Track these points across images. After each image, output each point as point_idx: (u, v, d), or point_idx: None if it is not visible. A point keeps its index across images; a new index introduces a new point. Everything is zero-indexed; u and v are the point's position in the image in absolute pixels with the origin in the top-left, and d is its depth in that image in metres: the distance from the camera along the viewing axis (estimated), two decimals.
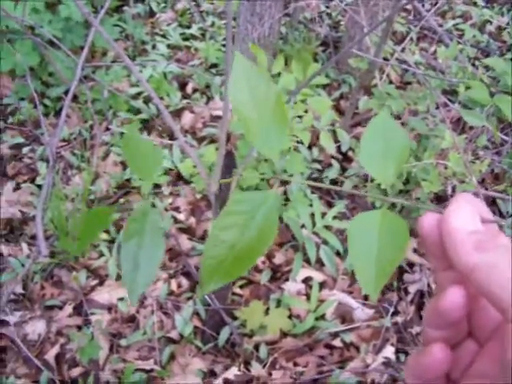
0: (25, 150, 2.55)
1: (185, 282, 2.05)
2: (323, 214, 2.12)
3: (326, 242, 2.08)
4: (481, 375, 0.37)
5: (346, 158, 2.49)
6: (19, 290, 2.01)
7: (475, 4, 3.58)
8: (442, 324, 0.38)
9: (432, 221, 0.37)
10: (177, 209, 2.28)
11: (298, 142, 2.30)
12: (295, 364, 1.86)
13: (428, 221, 0.38)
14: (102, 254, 2.09)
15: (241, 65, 0.44)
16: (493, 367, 0.36)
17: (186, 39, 3.21)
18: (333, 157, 2.48)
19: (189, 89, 2.86)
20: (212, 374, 1.82)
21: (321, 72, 2.32)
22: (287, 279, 2.05)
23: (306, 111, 1.78)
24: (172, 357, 1.85)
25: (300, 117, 1.81)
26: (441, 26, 3.28)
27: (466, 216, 0.36)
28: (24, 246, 2.13)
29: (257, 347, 1.87)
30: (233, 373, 1.80)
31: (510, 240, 0.35)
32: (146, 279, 0.45)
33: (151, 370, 1.81)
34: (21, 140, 2.60)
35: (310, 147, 2.45)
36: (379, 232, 0.38)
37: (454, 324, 0.38)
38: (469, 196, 0.37)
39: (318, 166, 2.43)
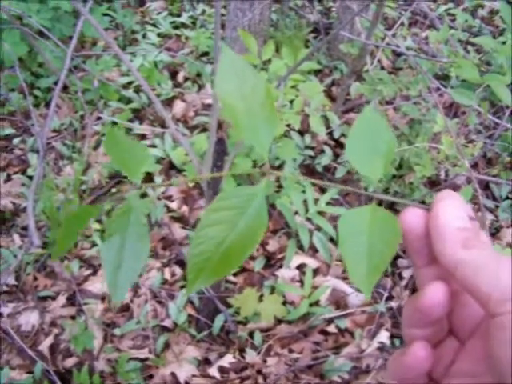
0: (15, 141, 2.54)
1: (178, 271, 2.04)
2: (316, 200, 2.12)
3: (319, 229, 2.08)
4: (462, 373, 0.37)
5: (338, 145, 2.48)
6: (12, 281, 2.00)
7: None
8: (423, 322, 0.37)
9: (414, 216, 0.37)
10: (169, 197, 2.27)
11: (290, 128, 2.29)
12: (290, 350, 1.86)
13: (410, 215, 0.37)
14: (94, 244, 2.08)
15: (228, 57, 0.43)
16: (474, 365, 0.36)
17: (176, 28, 3.19)
18: (325, 143, 2.47)
19: (180, 77, 2.85)
20: (207, 361, 1.82)
21: (310, 55, 2.31)
22: (281, 266, 2.05)
23: (297, 96, 1.77)
24: (166, 345, 1.85)
25: (291, 102, 1.80)
26: (433, 11, 3.27)
27: (455, 212, 0.36)
28: (16, 237, 2.12)
29: (251, 334, 1.86)
30: (227, 360, 1.80)
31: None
32: (129, 278, 0.43)
33: (146, 359, 1.81)
34: (11, 131, 2.58)
35: (302, 134, 2.45)
36: (369, 228, 0.38)
37: (435, 322, 0.38)
38: (454, 193, 0.37)
39: (311, 153, 2.42)
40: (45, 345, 1.85)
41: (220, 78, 0.43)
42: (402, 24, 3.04)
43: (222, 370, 1.78)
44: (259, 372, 1.79)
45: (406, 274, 2.07)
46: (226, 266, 0.39)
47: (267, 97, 0.43)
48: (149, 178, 2.33)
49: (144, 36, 3.10)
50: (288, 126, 2.08)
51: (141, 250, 0.43)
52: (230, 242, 0.39)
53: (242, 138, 0.42)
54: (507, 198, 2.34)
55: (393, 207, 2.06)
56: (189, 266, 0.39)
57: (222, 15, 2.96)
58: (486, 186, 2.38)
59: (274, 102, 0.43)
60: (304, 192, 2.13)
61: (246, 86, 0.43)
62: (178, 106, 2.66)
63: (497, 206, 2.30)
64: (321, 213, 2.10)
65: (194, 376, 1.76)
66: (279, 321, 1.90)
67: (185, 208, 2.24)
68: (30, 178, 2.32)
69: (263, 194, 0.40)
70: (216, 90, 0.42)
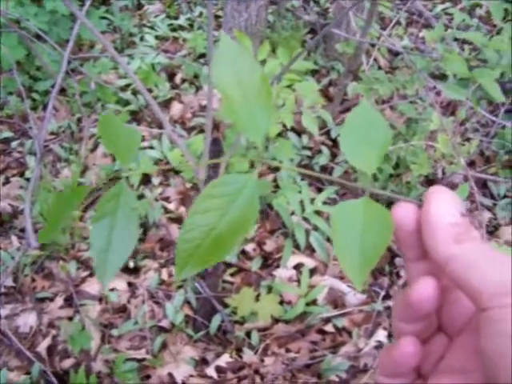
0: (13, 144, 2.54)
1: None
2: (313, 200, 2.12)
3: (316, 228, 2.08)
4: (451, 370, 0.37)
5: (335, 144, 2.48)
6: (10, 282, 2.01)
7: None
8: (412, 317, 0.37)
9: (406, 211, 0.37)
10: (167, 199, 2.27)
11: (287, 129, 2.29)
12: (287, 350, 1.86)
13: (402, 210, 0.38)
14: None
15: (226, 45, 0.43)
16: (463, 361, 0.36)
17: (174, 30, 3.19)
18: (322, 143, 2.47)
19: (177, 79, 2.85)
20: (204, 361, 1.82)
21: (305, 54, 2.30)
22: (278, 266, 2.05)
23: (289, 95, 1.77)
24: (164, 346, 1.85)
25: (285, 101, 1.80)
26: (430, 10, 3.27)
27: (446, 208, 0.36)
28: (14, 239, 2.13)
29: (248, 334, 1.86)
30: (225, 360, 1.79)
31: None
32: (117, 260, 0.43)
33: (143, 359, 1.81)
34: (9, 134, 2.59)
35: (299, 134, 2.45)
36: (363, 221, 0.38)
37: (425, 317, 0.37)
38: (445, 189, 0.37)
39: (308, 153, 2.42)
40: (42, 346, 1.85)
41: (217, 65, 0.43)
42: (399, 23, 3.04)
43: (219, 369, 1.78)
44: (256, 371, 1.79)
45: (404, 272, 2.07)
46: (216, 253, 0.39)
47: (263, 84, 0.43)
48: (146, 179, 2.34)
49: (142, 39, 3.10)
50: (284, 126, 2.08)
51: (130, 233, 0.43)
52: (220, 229, 0.39)
53: (237, 125, 0.42)
54: (505, 196, 2.33)
55: (390, 206, 2.05)
56: (178, 252, 0.38)
57: (219, 17, 2.97)
58: (484, 185, 2.37)
59: (270, 92, 0.43)
60: (300, 192, 2.13)
61: (242, 72, 0.43)
62: (176, 108, 2.66)
63: (495, 205, 2.30)
64: (318, 212, 2.10)
65: (191, 376, 1.76)
66: (276, 320, 1.90)
67: (182, 209, 2.24)
68: (28, 180, 2.32)
69: (255, 182, 0.40)
70: (213, 77, 0.42)
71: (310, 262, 2.05)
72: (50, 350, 1.85)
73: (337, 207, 0.39)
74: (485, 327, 0.32)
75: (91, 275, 2.04)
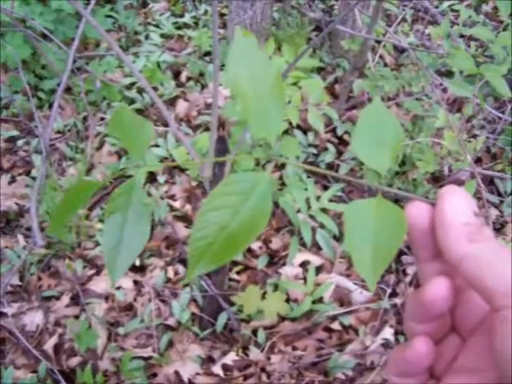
0: (19, 142, 2.55)
1: (181, 270, 2.04)
2: (319, 198, 2.11)
3: (322, 226, 2.07)
4: (464, 370, 0.37)
5: (341, 142, 2.48)
6: (16, 281, 2.01)
7: None
8: (425, 317, 0.37)
9: (419, 210, 0.37)
10: (172, 197, 2.27)
11: (292, 126, 2.29)
12: (294, 348, 1.85)
13: (415, 209, 0.37)
14: (98, 244, 2.09)
15: (240, 42, 0.43)
16: (476, 361, 0.36)
17: (179, 28, 3.19)
18: (328, 141, 2.46)
19: (183, 77, 2.85)
20: (210, 359, 1.82)
21: (310, 51, 2.30)
22: (284, 264, 2.05)
23: (295, 92, 1.77)
24: (170, 344, 1.85)
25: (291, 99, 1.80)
26: (436, 7, 3.26)
27: (460, 207, 0.36)
28: (20, 237, 2.13)
29: (255, 332, 1.86)
30: (231, 358, 1.79)
31: None
32: (128, 257, 0.43)
33: (149, 358, 1.81)
34: (15, 133, 2.59)
35: (305, 132, 2.44)
36: (375, 220, 0.38)
37: (438, 317, 0.37)
38: (459, 188, 0.37)
39: (314, 151, 2.42)
40: (49, 344, 1.85)
41: (231, 62, 0.42)
42: (405, 20, 3.03)
43: (225, 367, 1.78)
44: (263, 369, 1.79)
45: (411, 270, 2.06)
46: (229, 251, 0.38)
47: (277, 81, 0.43)
48: (152, 177, 2.34)
49: (147, 37, 3.10)
50: (290, 123, 2.08)
51: (141, 230, 0.43)
52: (233, 227, 0.38)
53: (250, 122, 0.42)
54: None
55: (397, 203, 2.05)
56: (190, 250, 0.38)
57: (224, 14, 2.96)
58: (490, 182, 2.36)
59: (282, 89, 0.43)
60: (306, 190, 2.12)
61: (256, 70, 0.42)
62: (181, 106, 2.66)
63: (501, 202, 2.28)
64: (324, 210, 2.09)
65: (197, 374, 1.76)
66: (282, 318, 1.90)
67: (188, 207, 2.24)
68: (34, 179, 2.33)
69: (268, 181, 0.40)
70: (227, 73, 0.42)
71: (316, 260, 2.04)
72: (57, 348, 1.86)
73: (349, 206, 0.39)
74: (498, 327, 0.32)
75: (97, 274, 2.04)
